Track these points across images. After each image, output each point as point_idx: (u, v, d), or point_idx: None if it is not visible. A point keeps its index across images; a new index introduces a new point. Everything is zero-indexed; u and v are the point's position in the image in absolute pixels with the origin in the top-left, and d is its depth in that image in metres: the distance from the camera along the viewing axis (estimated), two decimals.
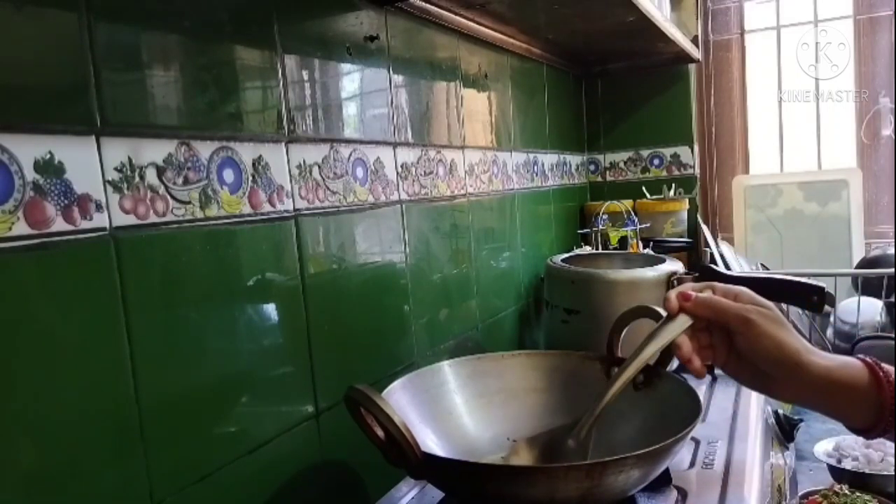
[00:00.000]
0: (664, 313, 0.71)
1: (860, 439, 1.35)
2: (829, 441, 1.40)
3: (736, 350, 0.63)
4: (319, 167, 0.79)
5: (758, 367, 0.61)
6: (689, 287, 0.66)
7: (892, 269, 1.69)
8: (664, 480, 0.71)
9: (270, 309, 0.72)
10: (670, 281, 0.99)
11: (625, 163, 1.86)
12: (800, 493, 1.19)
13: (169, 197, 0.60)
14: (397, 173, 0.94)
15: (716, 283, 0.66)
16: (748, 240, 2.05)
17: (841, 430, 1.45)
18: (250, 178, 0.69)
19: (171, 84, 0.62)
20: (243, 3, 0.69)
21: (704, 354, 0.65)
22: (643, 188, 1.76)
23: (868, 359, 0.59)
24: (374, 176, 0.89)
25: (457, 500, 0.70)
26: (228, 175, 0.66)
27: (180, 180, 0.61)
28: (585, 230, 1.64)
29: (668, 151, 1.82)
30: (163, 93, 0.60)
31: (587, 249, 1.51)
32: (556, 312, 1.06)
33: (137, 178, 0.57)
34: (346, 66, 0.86)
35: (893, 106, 1.93)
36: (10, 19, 0.48)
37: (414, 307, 0.97)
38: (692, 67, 1.81)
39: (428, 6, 1.00)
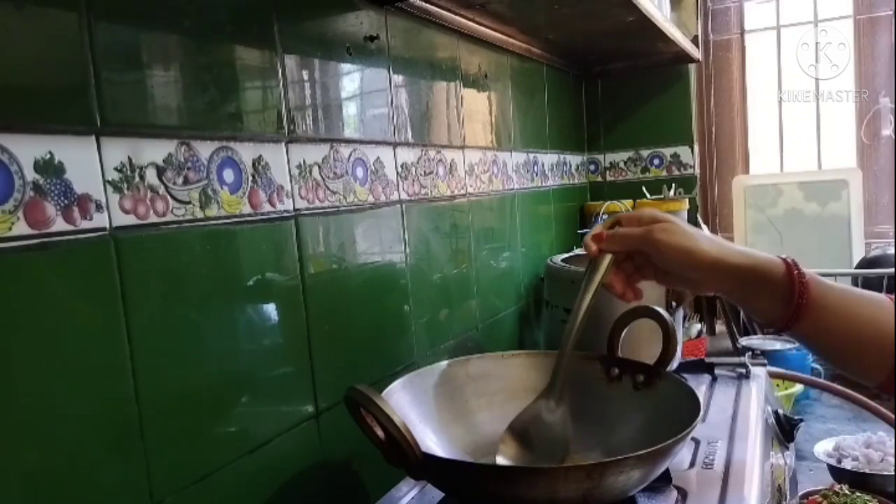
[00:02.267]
0: (665, 313, 0.73)
1: (860, 439, 1.36)
2: (829, 441, 1.40)
3: (658, 267, 0.68)
4: (319, 167, 0.78)
5: (682, 275, 0.67)
6: (599, 228, 0.71)
7: (892, 269, 1.69)
8: (664, 480, 0.70)
9: (270, 309, 0.72)
10: None
11: (625, 163, 1.86)
12: (800, 493, 1.19)
13: (169, 197, 0.60)
14: (397, 173, 0.94)
15: (621, 215, 0.71)
16: (748, 240, 2.05)
17: (841, 430, 1.46)
18: (250, 178, 0.69)
19: (171, 84, 0.62)
20: (243, 3, 0.69)
21: (635, 279, 0.71)
22: (643, 188, 1.76)
23: (788, 258, 0.64)
24: (374, 176, 0.89)
25: (457, 500, 0.70)
26: (228, 175, 0.66)
27: (180, 180, 0.61)
28: (585, 230, 1.64)
29: (668, 151, 1.82)
30: (163, 93, 0.60)
31: None
32: (556, 312, 1.06)
33: (137, 178, 0.57)
34: (346, 66, 0.86)
35: (893, 106, 1.93)
36: (10, 19, 0.48)
37: (414, 307, 0.97)
38: (692, 67, 1.81)
39: (428, 6, 1.00)
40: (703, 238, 0.65)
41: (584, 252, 0.71)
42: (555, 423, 0.71)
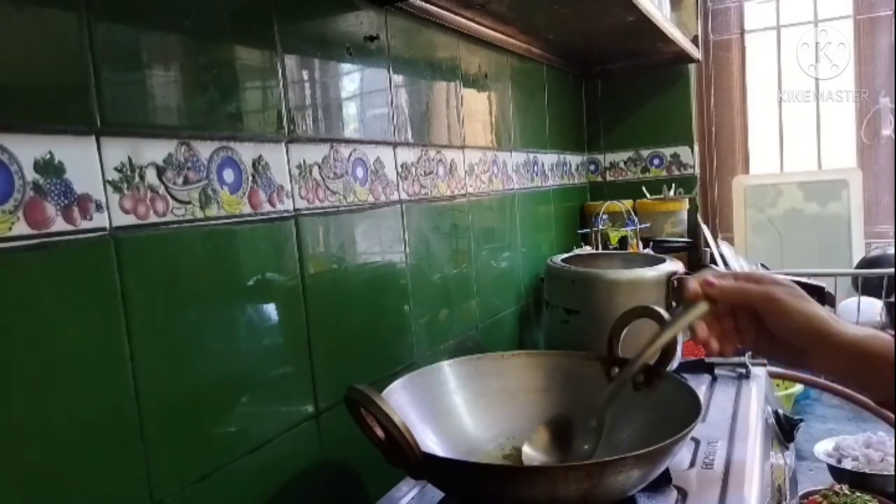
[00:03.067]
0: (665, 314, 0.73)
1: (860, 439, 1.36)
2: (829, 441, 1.40)
3: (767, 329, 0.64)
4: (319, 167, 0.79)
5: (789, 343, 0.63)
6: (710, 274, 0.68)
7: (892, 269, 1.69)
8: (664, 480, 0.70)
9: (270, 309, 0.72)
10: (670, 281, 0.99)
11: (625, 163, 1.86)
12: (800, 493, 1.19)
13: (169, 197, 0.60)
14: (397, 173, 0.94)
15: (736, 271, 0.68)
16: (748, 240, 2.05)
17: (841, 430, 1.46)
18: (250, 178, 0.69)
19: (171, 84, 0.62)
20: (243, 3, 0.69)
21: (729, 337, 0.67)
22: (643, 188, 1.76)
23: None
24: (374, 176, 0.89)
25: (457, 500, 0.70)
26: (228, 175, 0.66)
27: (180, 180, 0.61)
28: (585, 230, 1.64)
29: (668, 151, 1.82)
30: (163, 93, 0.60)
31: (587, 249, 1.51)
32: (556, 312, 1.06)
33: (137, 178, 0.57)
34: (346, 66, 0.86)
35: (893, 106, 1.93)
36: (10, 19, 0.48)
37: (414, 307, 0.97)
38: (692, 67, 1.81)
39: (428, 6, 1.00)
40: (822, 308, 0.61)
41: (681, 290, 0.68)
42: (588, 435, 0.72)
